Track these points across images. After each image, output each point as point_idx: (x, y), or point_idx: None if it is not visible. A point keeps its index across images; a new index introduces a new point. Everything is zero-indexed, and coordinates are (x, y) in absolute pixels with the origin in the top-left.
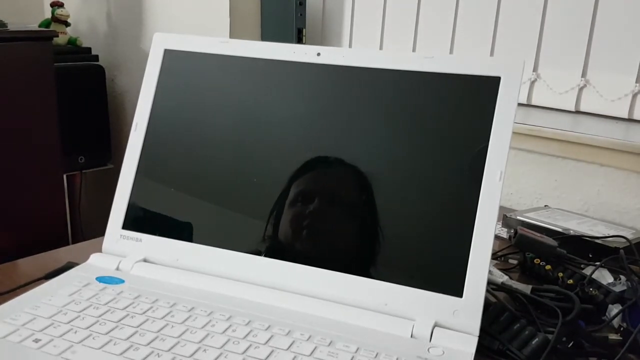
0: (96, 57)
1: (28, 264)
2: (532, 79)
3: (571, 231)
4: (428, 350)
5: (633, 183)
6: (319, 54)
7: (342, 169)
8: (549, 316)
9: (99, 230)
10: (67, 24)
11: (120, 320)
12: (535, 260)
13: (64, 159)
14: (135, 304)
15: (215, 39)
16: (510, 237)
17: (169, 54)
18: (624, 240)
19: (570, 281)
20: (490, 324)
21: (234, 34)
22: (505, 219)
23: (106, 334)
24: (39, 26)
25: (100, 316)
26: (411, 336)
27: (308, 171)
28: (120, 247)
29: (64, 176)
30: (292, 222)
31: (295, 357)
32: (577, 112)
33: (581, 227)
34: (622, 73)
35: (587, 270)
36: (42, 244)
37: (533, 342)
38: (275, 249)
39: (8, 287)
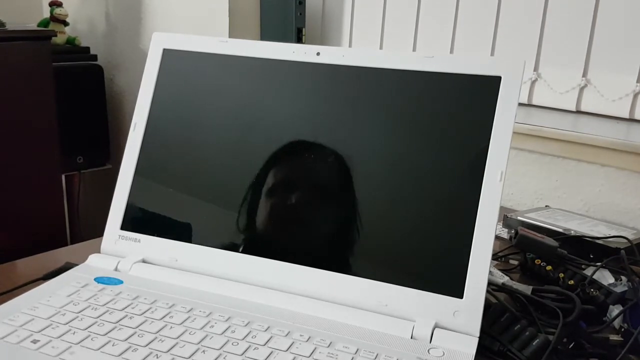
0: (95, 57)
1: (26, 265)
2: (533, 79)
3: (572, 231)
4: (428, 351)
5: (634, 183)
6: (318, 54)
7: (341, 169)
8: (549, 317)
9: (98, 230)
10: (65, 24)
11: (119, 321)
12: (536, 261)
13: (62, 159)
14: (134, 304)
15: (214, 38)
16: (510, 237)
17: (167, 54)
18: (625, 240)
19: (571, 282)
20: (490, 324)
21: (233, 33)
22: (506, 219)
23: (105, 334)
24: (38, 25)
25: (98, 317)
26: (411, 337)
27: (307, 172)
28: (119, 247)
29: (63, 176)
30: (292, 223)
31: (294, 358)
32: (578, 112)
33: (582, 228)
34: (623, 73)
35: (588, 271)
36: (41, 244)
37: (534, 343)
38: (275, 250)
39: (6, 287)
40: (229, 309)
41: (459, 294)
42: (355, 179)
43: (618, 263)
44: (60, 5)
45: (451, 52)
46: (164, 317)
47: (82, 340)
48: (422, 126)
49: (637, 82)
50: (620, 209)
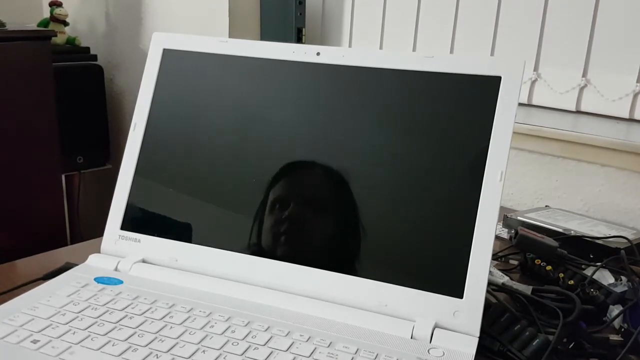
0: (95, 57)
1: (26, 265)
2: (533, 79)
3: (572, 231)
4: (428, 351)
5: (634, 183)
6: (318, 54)
7: (340, 170)
8: (549, 317)
9: (98, 230)
10: (65, 24)
11: (119, 321)
12: (536, 261)
13: (62, 159)
14: (134, 304)
15: (214, 38)
16: (510, 237)
17: (167, 54)
18: (624, 240)
19: (571, 282)
20: (490, 324)
21: (233, 33)
22: (506, 219)
23: (105, 334)
24: (38, 26)
25: (98, 317)
26: (411, 337)
27: (307, 172)
28: (119, 247)
29: (63, 176)
30: (292, 223)
31: (294, 358)
32: (578, 112)
33: (582, 228)
34: (622, 73)
35: (588, 271)
36: (41, 244)
37: (534, 343)
38: (275, 250)
39: (6, 287)
40: (229, 309)
41: (459, 294)
42: (355, 179)
43: (618, 263)
44: (60, 5)
45: (451, 52)
46: (164, 317)
47: (82, 340)
48: (422, 126)
49: (637, 82)
50: (620, 209)
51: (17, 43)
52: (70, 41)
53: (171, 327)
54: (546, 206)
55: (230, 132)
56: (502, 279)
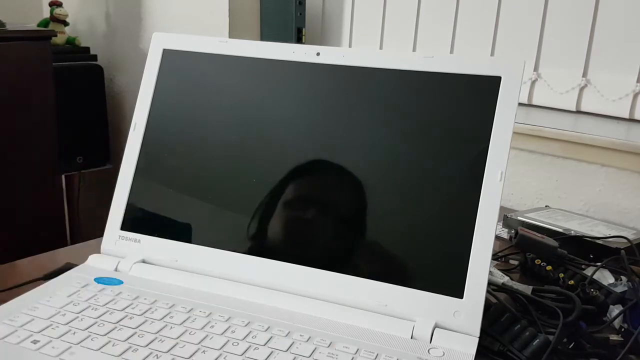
0: (95, 57)
1: (26, 265)
2: (533, 79)
3: (572, 232)
4: (428, 351)
5: (634, 183)
6: (318, 54)
7: (341, 170)
8: (549, 317)
9: (98, 231)
10: (65, 24)
11: (119, 322)
12: (536, 261)
13: (62, 159)
14: (134, 305)
15: (214, 38)
16: (510, 237)
17: (167, 54)
18: (625, 240)
19: (571, 282)
20: (490, 324)
21: (233, 33)
22: (506, 219)
23: (105, 335)
24: (38, 26)
25: (99, 317)
26: (411, 337)
27: (308, 172)
28: (119, 248)
29: (63, 177)
30: (292, 223)
31: (294, 358)
32: (578, 112)
33: (582, 228)
34: (623, 73)
35: (588, 271)
36: (41, 244)
37: (534, 343)
38: (275, 250)
39: (6, 287)
40: (229, 309)
41: (459, 294)
42: (354, 180)
43: (618, 263)
44: (60, 5)
45: (451, 52)
46: (164, 317)
47: (82, 340)
48: (422, 126)
49: (637, 82)
50: (620, 209)
51: (17, 43)
52: (70, 41)
53: (171, 328)
54: (546, 206)
55: (230, 132)
56: (502, 279)
